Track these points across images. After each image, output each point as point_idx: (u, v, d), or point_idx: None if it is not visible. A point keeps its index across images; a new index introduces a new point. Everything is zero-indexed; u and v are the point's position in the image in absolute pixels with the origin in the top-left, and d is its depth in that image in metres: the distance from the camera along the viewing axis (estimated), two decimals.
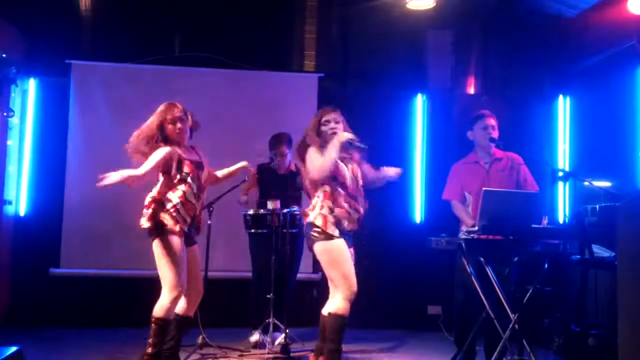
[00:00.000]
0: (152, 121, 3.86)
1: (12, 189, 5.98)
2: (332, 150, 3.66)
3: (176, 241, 3.72)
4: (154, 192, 3.81)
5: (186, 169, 3.80)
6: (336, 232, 3.68)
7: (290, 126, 5.69)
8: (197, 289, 3.97)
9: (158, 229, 3.70)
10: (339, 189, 3.75)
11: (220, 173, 4.23)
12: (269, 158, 5.21)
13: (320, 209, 3.71)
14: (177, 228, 3.72)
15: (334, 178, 3.74)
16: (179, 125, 3.83)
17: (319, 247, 3.71)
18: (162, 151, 3.77)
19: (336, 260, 3.67)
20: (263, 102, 6.27)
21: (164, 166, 3.77)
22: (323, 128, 3.81)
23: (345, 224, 3.72)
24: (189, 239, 3.87)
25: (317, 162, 3.69)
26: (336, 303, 3.65)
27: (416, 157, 6.53)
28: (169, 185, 3.79)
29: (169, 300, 3.69)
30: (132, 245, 5.48)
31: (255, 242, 5.15)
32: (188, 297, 3.90)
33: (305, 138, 3.88)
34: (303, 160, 3.83)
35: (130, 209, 5.47)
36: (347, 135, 3.74)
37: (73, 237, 5.99)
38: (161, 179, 3.83)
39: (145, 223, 3.74)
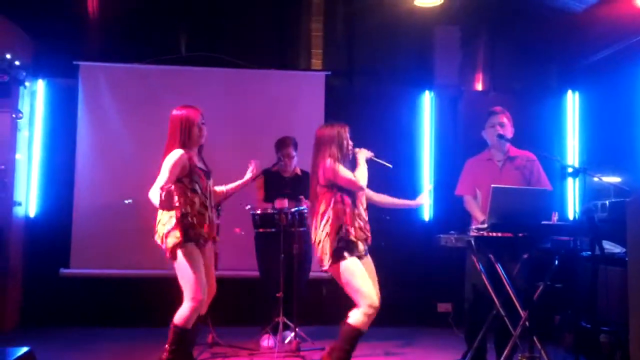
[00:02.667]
0: (180, 124, 3.77)
1: (22, 190, 6.01)
2: (365, 167, 3.85)
3: (196, 252, 3.70)
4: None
5: (196, 177, 3.76)
6: (346, 254, 3.68)
7: (298, 125, 5.68)
8: (210, 286, 3.94)
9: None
10: (353, 204, 3.76)
11: (228, 187, 4.21)
12: (277, 159, 5.20)
13: (329, 230, 3.69)
14: (197, 238, 3.71)
15: (348, 192, 3.76)
16: (204, 130, 3.83)
17: (331, 271, 3.73)
18: (176, 154, 3.68)
19: (351, 279, 3.66)
20: (270, 101, 6.27)
21: (180, 172, 3.69)
22: (345, 142, 3.84)
23: (360, 246, 3.75)
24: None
25: (361, 176, 3.77)
26: (356, 315, 3.65)
27: (424, 154, 6.51)
28: (183, 194, 3.69)
29: (189, 310, 3.65)
30: (142, 245, 5.48)
31: (263, 241, 5.15)
32: None
33: (323, 147, 3.83)
34: (317, 166, 3.83)
35: (139, 209, 5.53)
36: (370, 153, 3.93)
37: (83, 237, 6.00)
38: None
39: (169, 239, 3.66)
